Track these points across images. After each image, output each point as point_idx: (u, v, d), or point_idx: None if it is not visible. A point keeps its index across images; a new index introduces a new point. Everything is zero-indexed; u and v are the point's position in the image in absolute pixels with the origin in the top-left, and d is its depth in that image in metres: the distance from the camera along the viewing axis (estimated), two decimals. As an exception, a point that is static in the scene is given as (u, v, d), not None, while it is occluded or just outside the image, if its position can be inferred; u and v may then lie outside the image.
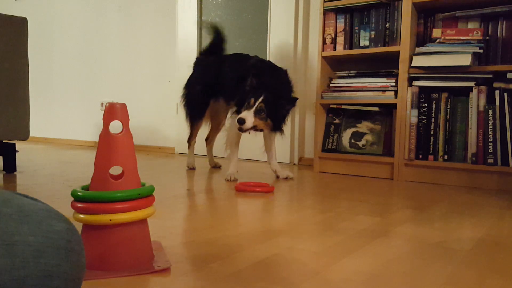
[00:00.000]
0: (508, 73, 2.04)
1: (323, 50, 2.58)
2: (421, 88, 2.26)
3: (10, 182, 2.00)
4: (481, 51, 2.12)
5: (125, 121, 0.88)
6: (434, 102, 2.24)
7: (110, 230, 0.85)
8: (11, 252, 0.50)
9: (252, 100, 2.01)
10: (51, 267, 0.52)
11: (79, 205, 0.85)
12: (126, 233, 0.87)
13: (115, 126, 0.85)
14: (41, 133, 4.52)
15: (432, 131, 2.24)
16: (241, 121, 1.95)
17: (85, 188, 0.89)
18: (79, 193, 0.85)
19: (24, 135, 2.18)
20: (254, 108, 2.00)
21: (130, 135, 0.89)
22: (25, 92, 2.18)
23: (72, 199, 0.88)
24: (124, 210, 0.85)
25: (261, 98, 2.00)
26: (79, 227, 0.93)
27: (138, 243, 0.89)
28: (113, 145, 0.86)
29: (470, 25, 2.24)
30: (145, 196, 0.89)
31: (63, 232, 0.55)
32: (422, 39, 2.36)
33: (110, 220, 0.84)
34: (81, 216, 0.85)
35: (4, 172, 2.24)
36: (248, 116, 1.97)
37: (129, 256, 0.87)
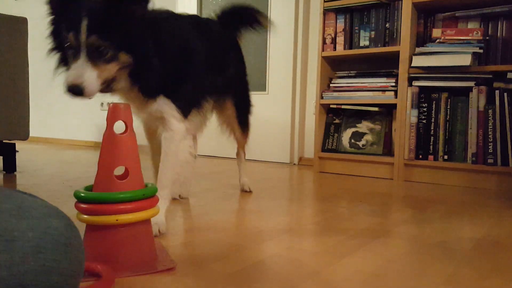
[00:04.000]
0: (508, 73, 2.04)
1: (323, 50, 2.58)
2: (421, 88, 2.26)
3: (10, 182, 2.00)
4: (481, 51, 2.12)
5: (129, 121, 0.88)
6: (434, 102, 2.24)
7: (115, 230, 0.85)
8: (11, 247, 0.50)
9: (71, 36, 1.02)
10: (51, 263, 0.52)
11: (85, 206, 0.85)
12: (130, 233, 0.87)
13: (119, 126, 0.85)
14: (41, 133, 4.52)
15: (432, 131, 2.24)
16: (74, 89, 0.99)
17: (88, 188, 0.89)
18: (86, 195, 0.85)
19: (24, 135, 2.18)
20: (83, 49, 1.02)
21: (134, 136, 0.89)
22: (25, 92, 2.18)
23: (75, 200, 0.88)
24: (130, 211, 0.85)
25: (84, 23, 1.01)
26: (80, 227, 0.93)
27: (142, 243, 0.89)
28: (117, 145, 0.86)
29: (470, 25, 2.24)
30: (150, 196, 0.90)
31: (62, 228, 0.55)
32: (422, 39, 2.36)
33: (117, 220, 0.84)
34: (87, 217, 0.85)
35: (4, 172, 2.24)
36: (82, 71, 1.01)
37: (133, 256, 0.88)
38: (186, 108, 1.29)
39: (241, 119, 1.77)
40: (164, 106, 1.24)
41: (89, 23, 1.01)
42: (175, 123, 1.26)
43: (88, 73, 1.01)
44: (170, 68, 1.20)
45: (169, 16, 1.31)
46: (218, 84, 1.54)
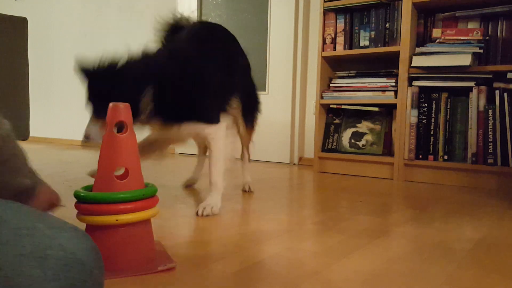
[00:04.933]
0: (508, 73, 2.04)
1: (323, 50, 2.58)
2: (421, 88, 2.26)
3: (10, 182, 1.99)
4: (481, 51, 2.12)
5: (129, 121, 0.88)
6: (434, 102, 2.24)
7: (114, 230, 0.85)
8: (44, 264, 0.53)
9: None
10: (78, 282, 0.55)
11: (85, 206, 0.85)
12: (130, 233, 0.87)
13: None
14: (41, 133, 4.51)
15: (432, 131, 2.24)
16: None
17: (88, 188, 0.90)
18: (85, 195, 0.85)
19: (24, 135, 2.17)
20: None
21: (134, 135, 0.89)
22: (25, 92, 2.18)
23: (75, 200, 0.88)
24: (130, 211, 0.85)
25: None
26: (80, 226, 0.92)
27: (142, 243, 0.89)
28: (117, 145, 0.86)
29: (470, 25, 2.24)
30: (149, 196, 0.90)
31: (88, 250, 0.59)
32: (422, 39, 2.36)
33: (117, 220, 0.84)
34: (87, 217, 0.85)
35: (4, 172, 2.24)
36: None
37: (134, 256, 0.88)
38: (213, 114, 1.49)
39: (246, 113, 1.80)
40: (194, 127, 1.44)
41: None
42: (210, 130, 1.47)
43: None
44: (184, 96, 1.39)
45: (175, 49, 1.54)
46: (231, 83, 1.67)
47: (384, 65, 2.53)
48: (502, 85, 2.07)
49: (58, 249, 0.54)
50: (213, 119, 1.49)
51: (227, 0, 3.29)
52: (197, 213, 1.40)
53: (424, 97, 2.25)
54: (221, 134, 1.50)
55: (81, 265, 0.56)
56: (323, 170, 2.61)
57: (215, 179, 1.49)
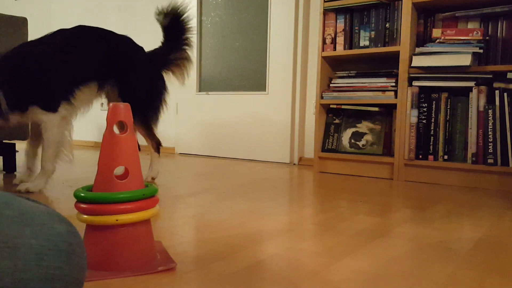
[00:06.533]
0: (508, 73, 2.04)
1: (323, 50, 2.58)
2: (421, 88, 2.26)
3: (10, 182, 2.00)
4: (481, 51, 2.12)
5: (129, 121, 0.88)
6: (434, 102, 2.24)
7: (115, 230, 0.85)
8: (14, 255, 0.50)
9: None
10: (53, 270, 0.52)
11: (85, 206, 0.85)
12: (130, 233, 0.87)
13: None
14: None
15: (432, 131, 2.24)
16: None
17: (88, 188, 0.90)
18: (85, 195, 0.85)
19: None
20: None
21: (134, 136, 0.89)
22: (25, 92, 2.18)
23: (75, 200, 0.88)
24: (130, 211, 0.85)
25: None
26: (80, 227, 0.93)
27: (142, 243, 0.89)
28: (117, 145, 0.86)
29: (470, 25, 2.24)
30: (149, 196, 0.90)
31: (64, 234, 0.55)
32: (422, 39, 2.36)
33: (117, 220, 0.84)
34: (87, 217, 0.85)
35: (4, 172, 2.24)
36: None
37: (133, 256, 0.88)
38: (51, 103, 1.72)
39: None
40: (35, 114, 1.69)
41: None
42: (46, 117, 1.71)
43: None
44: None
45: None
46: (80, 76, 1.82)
47: (384, 65, 2.53)
48: (502, 85, 2.08)
49: (29, 237, 0.51)
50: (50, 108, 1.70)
51: (227, 0, 3.29)
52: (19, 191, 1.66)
53: (424, 97, 2.25)
54: (55, 122, 1.71)
55: (56, 251, 0.53)
56: (323, 170, 2.61)
57: (45, 163, 1.73)
